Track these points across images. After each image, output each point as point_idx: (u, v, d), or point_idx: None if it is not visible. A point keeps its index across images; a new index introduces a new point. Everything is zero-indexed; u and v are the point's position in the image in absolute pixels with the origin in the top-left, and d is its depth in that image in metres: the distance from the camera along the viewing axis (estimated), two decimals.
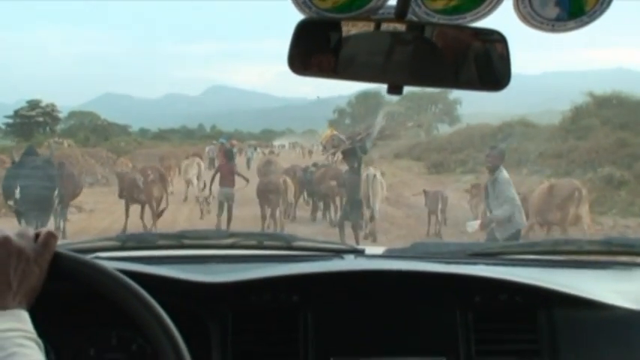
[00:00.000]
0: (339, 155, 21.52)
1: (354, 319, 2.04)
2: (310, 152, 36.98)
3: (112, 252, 2.44)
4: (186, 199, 21.50)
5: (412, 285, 2.11)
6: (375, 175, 16.24)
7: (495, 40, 1.66)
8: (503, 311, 2.09)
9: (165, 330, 1.43)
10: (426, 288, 2.11)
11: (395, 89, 1.68)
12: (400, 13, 1.59)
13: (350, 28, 1.65)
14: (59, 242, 1.47)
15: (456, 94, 42.66)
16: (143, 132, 47.66)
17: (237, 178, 16.83)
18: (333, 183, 17.58)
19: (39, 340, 1.33)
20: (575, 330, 2.07)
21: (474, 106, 45.51)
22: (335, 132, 25.35)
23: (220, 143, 32.53)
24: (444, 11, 1.60)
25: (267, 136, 60.55)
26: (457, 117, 43.02)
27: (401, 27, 1.65)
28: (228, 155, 18.00)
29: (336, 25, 1.63)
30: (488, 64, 1.68)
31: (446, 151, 31.24)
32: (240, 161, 29.69)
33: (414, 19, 1.61)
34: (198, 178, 21.76)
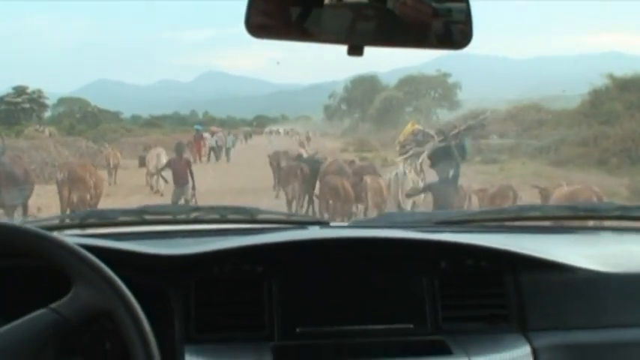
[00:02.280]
0: (424, 157, 15.50)
1: (320, 289, 2.02)
2: (308, 139, 35.61)
3: (72, 229, 2.42)
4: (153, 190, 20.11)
5: (377, 253, 2.10)
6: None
7: None
8: (469, 277, 2.08)
9: (127, 307, 1.41)
10: (391, 255, 2.09)
11: (355, 50, 1.64)
12: None
13: None
14: (19, 220, 1.77)
15: (455, 78, 41.99)
16: (135, 118, 46.93)
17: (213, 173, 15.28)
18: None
19: None
20: (542, 293, 2.07)
21: (467, 91, 44.44)
22: (417, 125, 19.02)
23: (195, 131, 31.20)
24: None
25: (260, 122, 60.11)
26: (457, 102, 41.97)
27: None
28: (179, 149, 16.39)
29: None
30: (449, 22, 1.65)
31: None
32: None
33: None
34: (159, 170, 19.85)
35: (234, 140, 32.49)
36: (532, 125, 28.07)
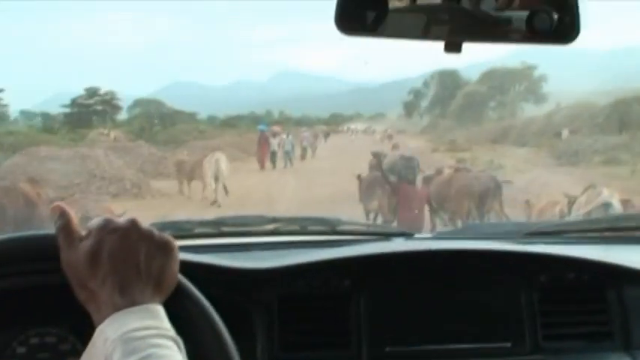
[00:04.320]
0: None
1: (409, 305, 1.93)
2: (390, 137, 34.06)
3: None
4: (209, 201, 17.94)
5: (469, 266, 2.01)
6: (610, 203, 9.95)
7: None
8: (570, 291, 1.98)
9: (211, 324, 1.34)
10: (484, 268, 2.00)
11: (453, 47, 1.58)
12: None
13: None
14: None
15: (541, 70, 40.38)
16: (211, 119, 46.80)
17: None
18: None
19: (178, 339, 1.17)
20: None
21: (551, 84, 42.47)
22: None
23: (260, 131, 29.21)
24: None
25: (335, 121, 59.57)
26: (543, 95, 40.26)
27: None
28: None
29: None
30: (555, 15, 1.52)
31: (560, 136, 27.56)
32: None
33: None
34: (216, 180, 18.36)
35: (291, 144, 28.52)
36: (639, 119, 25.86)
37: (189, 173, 19.59)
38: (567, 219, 7.12)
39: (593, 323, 1.96)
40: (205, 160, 19.09)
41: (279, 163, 26.83)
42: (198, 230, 2.46)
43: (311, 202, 16.49)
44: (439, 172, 14.02)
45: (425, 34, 1.59)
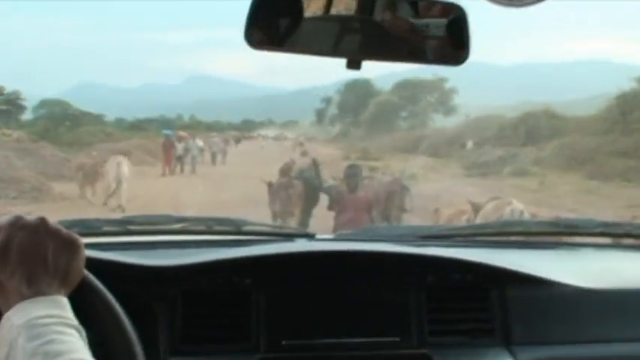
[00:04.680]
0: None
1: (307, 302, 2.04)
2: (301, 145, 33.83)
3: None
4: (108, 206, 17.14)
5: (364, 266, 2.13)
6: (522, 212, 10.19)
7: (454, 13, 1.66)
8: (455, 291, 2.11)
9: (115, 317, 1.42)
10: (378, 269, 2.13)
11: (354, 64, 1.67)
12: None
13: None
14: None
15: (452, 82, 40.92)
16: (119, 122, 45.58)
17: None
18: None
19: (79, 327, 1.25)
20: (526, 308, 2.11)
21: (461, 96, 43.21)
22: None
23: (165, 136, 27.63)
24: None
25: (247, 127, 59.28)
26: (453, 107, 40.88)
27: None
28: None
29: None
30: (446, 38, 1.68)
31: (465, 147, 27.87)
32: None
33: None
34: (119, 183, 17.52)
35: (199, 150, 28.37)
36: (548, 132, 26.23)
37: (90, 176, 18.89)
38: (460, 225, 6.97)
39: (476, 320, 2.11)
40: (107, 163, 18.48)
41: (186, 168, 26.24)
42: (105, 229, 2.50)
43: (219, 206, 16.22)
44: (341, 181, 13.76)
45: (335, 49, 1.69)
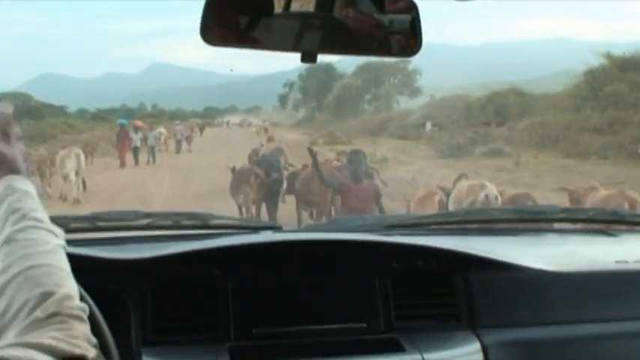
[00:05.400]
0: None
1: (275, 291, 2.08)
2: (266, 130, 33.62)
3: None
4: (65, 199, 17.05)
5: (329, 255, 2.18)
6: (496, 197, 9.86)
7: (406, 6, 1.72)
8: (420, 277, 2.16)
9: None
10: (343, 257, 2.17)
11: (308, 57, 1.71)
12: None
13: None
14: None
15: (415, 64, 40.84)
16: (81, 112, 45.55)
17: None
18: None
19: None
20: (491, 292, 2.16)
21: (425, 78, 43.18)
22: None
23: (120, 126, 26.89)
24: None
25: (210, 114, 59.42)
26: (418, 88, 40.85)
27: None
28: None
29: None
30: (399, 31, 1.73)
31: (424, 127, 27.72)
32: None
33: None
34: (77, 174, 17.42)
35: (156, 137, 27.48)
36: (517, 111, 26.05)
37: (45, 169, 18.32)
38: (424, 213, 6.92)
39: (442, 305, 2.16)
40: (59, 155, 18.14)
41: (143, 158, 25.62)
42: (73, 225, 2.47)
43: (186, 197, 15.92)
44: (305, 167, 13.63)
45: (296, 45, 1.72)
